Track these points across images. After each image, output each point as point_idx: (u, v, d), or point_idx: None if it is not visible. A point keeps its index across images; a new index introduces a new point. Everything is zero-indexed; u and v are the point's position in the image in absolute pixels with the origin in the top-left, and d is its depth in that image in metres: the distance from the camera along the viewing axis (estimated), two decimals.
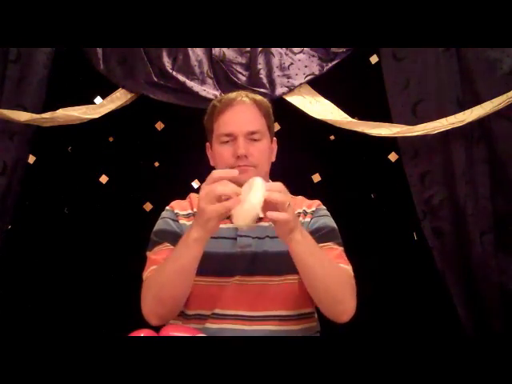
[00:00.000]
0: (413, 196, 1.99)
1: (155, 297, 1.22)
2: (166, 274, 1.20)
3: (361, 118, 1.98)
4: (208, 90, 2.00)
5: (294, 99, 2.00)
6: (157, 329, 1.05)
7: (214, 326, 1.28)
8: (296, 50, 1.99)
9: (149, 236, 1.36)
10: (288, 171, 1.79)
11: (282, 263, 1.26)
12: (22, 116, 2.00)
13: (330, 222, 1.38)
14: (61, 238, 2.15)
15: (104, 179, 2.18)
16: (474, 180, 1.95)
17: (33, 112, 2.02)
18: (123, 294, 1.84)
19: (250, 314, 1.28)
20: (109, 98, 2.07)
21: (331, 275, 1.20)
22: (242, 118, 1.33)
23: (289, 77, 1.99)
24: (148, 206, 2.16)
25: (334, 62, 1.99)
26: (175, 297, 1.22)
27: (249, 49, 1.99)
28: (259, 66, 1.98)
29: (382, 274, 2.04)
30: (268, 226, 1.31)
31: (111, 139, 2.18)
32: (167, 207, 1.41)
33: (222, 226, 1.20)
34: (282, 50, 1.99)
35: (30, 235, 2.16)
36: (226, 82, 2.01)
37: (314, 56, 1.99)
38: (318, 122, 1.99)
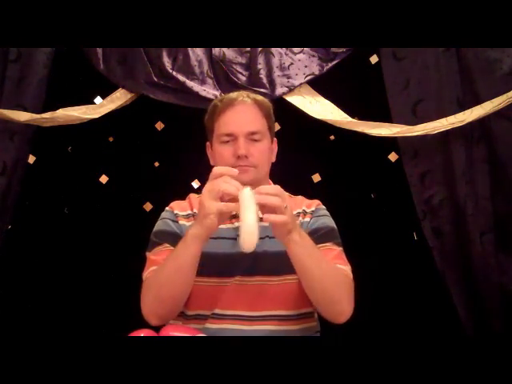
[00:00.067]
0: (413, 196, 1.98)
1: (155, 297, 1.22)
2: (166, 273, 1.20)
3: (361, 118, 1.98)
4: (208, 90, 2.00)
5: (294, 99, 2.00)
6: (157, 329, 1.05)
7: (214, 326, 1.28)
8: (296, 50, 1.99)
9: (149, 236, 1.36)
10: (288, 171, 1.80)
11: (281, 263, 1.26)
12: (22, 116, 2.00)
13: (330, 221, 1.38)
14: (61, 238, 2.15)
15: (104, 179, 2.18)
16: (474, 180, 1.95)
17: (33, 112, 2.02)
18: (123, 293, 1.84)
19: (249, 314, 1.28)
20: (109, 98, 2.07)
21: (328, 276, 1.21)
22: (242, 119, 1.33)
23: (289, 77, 1.99)
24: (148, 206, 2.16)
25: (334, 62, 1.98)
26: (175, 296, 1.22)
27: (249, 49, 1.99)
28: (259, 66, 1.98)
29: (381, 273, 2.04)
30: (268, 225, 1.30)
31: (111, 139, 2.18)
32: (167, 208, 1.41)
33: (221, 226, 1.20)
34: (282, 50, 1.99)
35: (30, 235, 2.16)
36: (225, 82, 2.01)
37: (313, 56, 1.99)
38: (318, 122, 1.98)
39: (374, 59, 2.04)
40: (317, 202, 1.42)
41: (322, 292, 1.21)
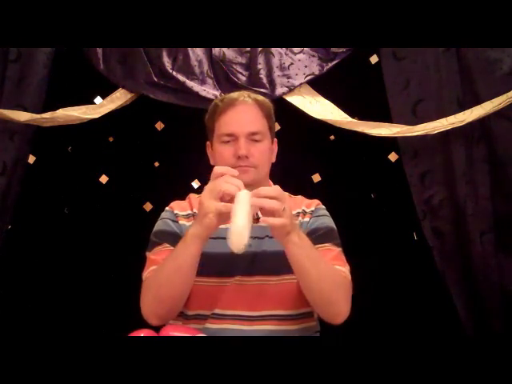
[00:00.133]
0: (413, 196, 1.98)
1: (154, 297, 1.22)
2: (165, 273, 1.20)
3: (361, 118, 1.98)
4: (208, 90, 2.00)
5: (294, 99, 2.00)
6: (157, 329, 1.05)
7: (214, 326, 1.28)
8: (296, 50, 1.99)
9: (149, 236, 1.36)
10: (288, 171, 1.80)
11: (281, 263, 1.25)
12: (22, 116, 2.00)
13: (329, 222, 1.37)
14: (61, 238, 2.15)
15: (104, 179, 2.18)
16: (474, 180, 1.95)
17: (33, 112, 2.02)
18: (123, 293, 1.84)
19: (249, 313, 1.28)
20: (109, 98, 2.07)
21: (326, 277, 1.20)
22: (243, 119, 1.32)
23: (289, 77, 1.99)
24: (148, 206, 2.16)
25: (334, 62, 1.98)
26: (174, 296, 1.22)
27: (249, 49, 1.99)
28: (259, 66, 1.98)
29: (381, 274, 2.04)
30: (267, 225, 1.31)
31: (111, 139, 2.18)
32: (167, 208, 1.41)
33: (221, 226, 1.20)
34: (282, 50, 1.99)
35: (30, 235, 2.16)
36: (225, 82, 2.01)
37: (314, 56, 1.99)
38: (318, 122, 1.98)
39: (374, 59, 2.04)
40: (316, 201, 1.42)
41: (320, 293, 1.21)
